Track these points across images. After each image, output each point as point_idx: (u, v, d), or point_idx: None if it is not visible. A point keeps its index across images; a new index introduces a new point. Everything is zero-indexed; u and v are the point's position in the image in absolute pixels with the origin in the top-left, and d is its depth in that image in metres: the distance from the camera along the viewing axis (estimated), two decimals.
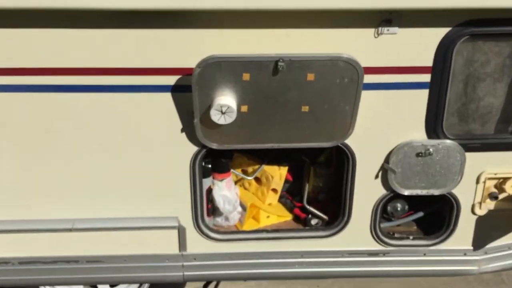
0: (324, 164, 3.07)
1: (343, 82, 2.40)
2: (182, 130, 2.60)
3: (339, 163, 2.88)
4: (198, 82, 2.37)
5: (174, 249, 2.88)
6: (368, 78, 2.45)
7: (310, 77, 2.38)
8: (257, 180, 3.09)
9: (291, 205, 3.13)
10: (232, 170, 2.98)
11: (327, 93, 2.44)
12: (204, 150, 2.66)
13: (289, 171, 3.08)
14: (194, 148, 2.65)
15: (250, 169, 3.07)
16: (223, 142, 2.61)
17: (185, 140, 2.63)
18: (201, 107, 2.45)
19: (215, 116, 2.42)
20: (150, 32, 2.37)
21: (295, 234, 2.94)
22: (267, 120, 2.52)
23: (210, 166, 2.84)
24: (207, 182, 2.85)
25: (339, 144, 2.65)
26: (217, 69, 2.34)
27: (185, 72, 2.44)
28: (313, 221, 3.00)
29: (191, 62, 2.36)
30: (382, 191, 2.81)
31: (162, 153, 2.66)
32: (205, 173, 2.82)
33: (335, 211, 2.96)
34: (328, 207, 3.06)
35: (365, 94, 2.47)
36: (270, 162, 3.05)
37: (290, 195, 3.18)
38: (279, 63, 2.32)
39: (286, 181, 3.12)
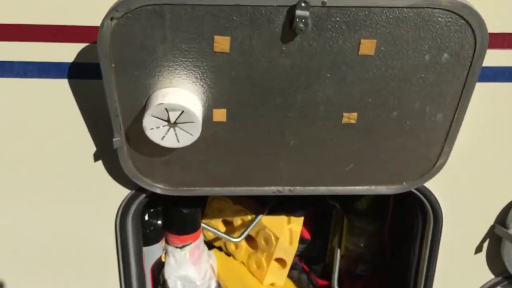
0: (367, 212, 1.75)
1: (439, 61, 1.08)
2: (97, 158, 1.29)
3: (400, 212, 1.58)
4: (114, 53, 1.05)
5: None
6: (492, 57, 1.13)
7: (367, 47, 1.06)
8: (250, 241, 1.77)
9: (308, 284, 1.81)
10: (203, 224, 1.66)
11: (401, 84, 1.12)
12: (143, 196, 1.34)
13: (305, 223, 1.76)
14: (122, 193, 1.34)
15: (237, 222, 1.75)
16: (177, 184, 1.29)
17: (105, 178, 1.31)
18: (124, 111, 1.14)
19: (155, 132, 1.11)
20: None
21: None
22: (268, 142, 1.20)
23: (159, 222, 1.52)
24: (155, 251, 1.53)
25: (412, 190, 1.33)
26: (155, 24, 1.02)
27: (87, 37, 1.12)
28: None
29: (96, 14, 1.05)
30: (487, 276, 1.49)
31: (65, 204, 1.35)
32: (150, 236, 1.50)
33: None
34: (377, 285, 1.75)
35: (481, 89, 1.16)
36: (274, 210, 1.73)
37: (307, 265, 1.86)
38: (298, 13, 1.00)
39: (302, 239, 1.79)
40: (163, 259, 1.54)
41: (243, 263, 1.76)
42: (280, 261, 1.71)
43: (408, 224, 1.53)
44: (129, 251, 1.40)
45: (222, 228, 1.78)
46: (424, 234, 1.43)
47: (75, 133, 1.23)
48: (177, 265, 1.51)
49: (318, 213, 1.84)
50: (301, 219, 1.74)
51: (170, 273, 1.50)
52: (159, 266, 1.53)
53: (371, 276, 1.81)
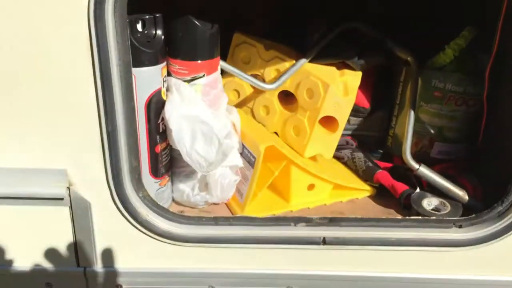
0: (454, 68, 1.25)
1: None
2: None
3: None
4: None
5: (68, 259, 1.10)
6: None
7: None
8: (288, 102, 1.28)
9: (365, 161, 1.30)
10: (222, 62, 1.17)
11: None
12: None
13: (362, 86, 1.26)
14: None
15: (271, 74, 1.27)
16: None
17: None
18: None
19: None
20: None
21: (382, 234, 1.09)
22: None
23: (158, 32, 1.03)
24: (151, 77, 1.05)
25: None
26: None
27: None
28: (428, 203, 1.17)
29: None
30: None
31: None
32: (145, 53, 1.02)
33: (486, 181, 1.15)
34: (462, 172, 1.24)
35: None
36: (322, 58, 1.24)
37: (363, 144, 1.37)
38: None
39: (356, 109, 1.30)
40: (163, 96, 1.07)
41: (276, 129, 1.28)
42: (329, 123, 1.21)
43: None
44: (110, 63, 0.93)
45: (249, 88, 1.31)
46: None
47: None
48: (183, 102, 1.04)
49: (381, 73, 1.36)
50: (359, 74, 1.25)
51: (173, 111, 1.02)
52: (157, 105, 1.05)
53: (452, 163, 1.30)
